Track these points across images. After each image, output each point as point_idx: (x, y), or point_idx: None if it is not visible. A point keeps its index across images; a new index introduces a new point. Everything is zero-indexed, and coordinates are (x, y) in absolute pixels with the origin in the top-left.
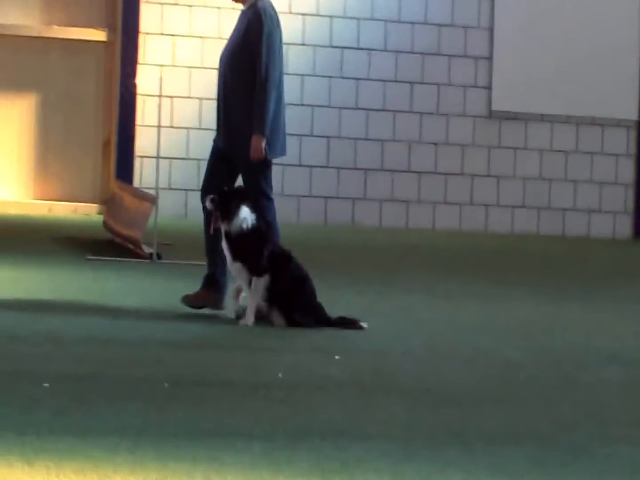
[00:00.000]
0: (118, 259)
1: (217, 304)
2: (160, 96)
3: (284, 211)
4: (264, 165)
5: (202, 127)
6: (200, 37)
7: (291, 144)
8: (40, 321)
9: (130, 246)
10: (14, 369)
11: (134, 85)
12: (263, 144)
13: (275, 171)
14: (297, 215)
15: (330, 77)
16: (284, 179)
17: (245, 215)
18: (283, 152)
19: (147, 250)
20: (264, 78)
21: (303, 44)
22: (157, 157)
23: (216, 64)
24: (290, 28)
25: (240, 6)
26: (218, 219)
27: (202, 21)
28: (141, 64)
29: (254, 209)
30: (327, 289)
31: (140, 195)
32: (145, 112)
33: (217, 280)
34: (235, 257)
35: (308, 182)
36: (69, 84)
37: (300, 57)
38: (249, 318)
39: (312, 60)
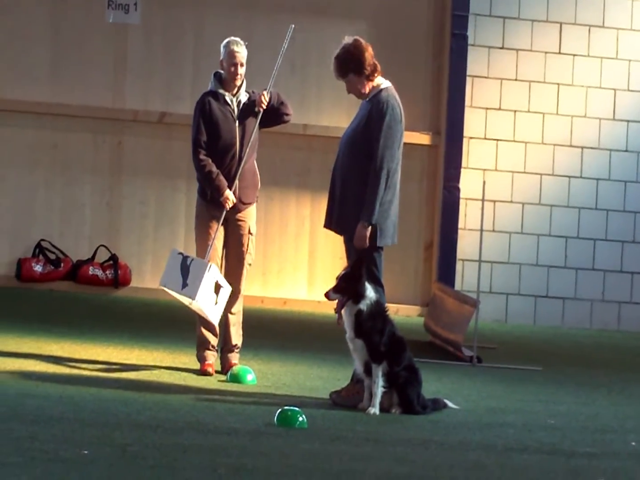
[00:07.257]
0: (438, 361)
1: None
2: (483, 200)
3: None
4: (375, 252)
5: (524, 231)
6: (523, 142)
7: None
8: (360, 421)
9: (451, 349)
10: (336, 470)
11: (457, 189)
12: (367, 232)
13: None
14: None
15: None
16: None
17: (370, 293)
18: (393, 240)
19: (467, 353)
20: (379, 167)
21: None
22: (479, 261)
23: (539, 170)
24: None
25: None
26: (344, 304)
27: (526, 126)
28: (464, 167)
29: (373, 282)
30: None
31: (462, 298)
32: (467, 216)
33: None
34: (358, 334)
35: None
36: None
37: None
38: (376, 407)
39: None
